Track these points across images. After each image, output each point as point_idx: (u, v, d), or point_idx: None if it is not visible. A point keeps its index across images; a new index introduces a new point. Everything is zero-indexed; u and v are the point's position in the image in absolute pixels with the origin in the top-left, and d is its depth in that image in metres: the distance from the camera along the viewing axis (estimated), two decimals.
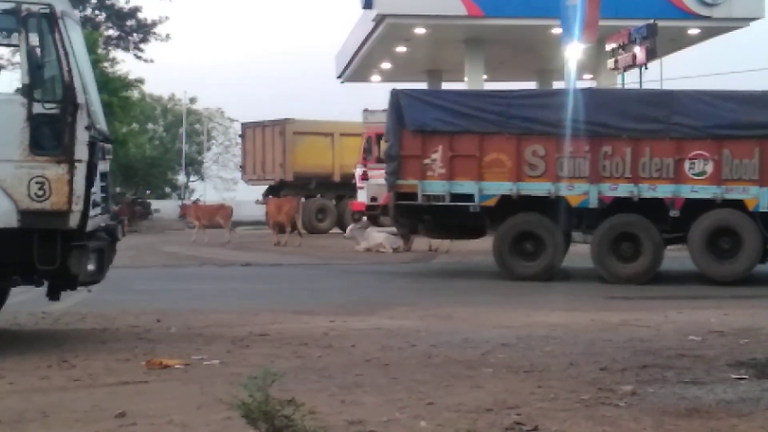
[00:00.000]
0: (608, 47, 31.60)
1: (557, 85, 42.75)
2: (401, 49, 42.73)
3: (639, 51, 29.04)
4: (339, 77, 52.11)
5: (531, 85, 45.73)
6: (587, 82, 42.54)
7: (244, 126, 39.47)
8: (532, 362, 8.95)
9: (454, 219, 18.80)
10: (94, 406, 7.14)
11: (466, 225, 19.18)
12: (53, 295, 10.33)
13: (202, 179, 75.81)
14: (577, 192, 17.57)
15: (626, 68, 30.65)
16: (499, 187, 17.95)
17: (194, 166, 74.28)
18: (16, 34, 9.84)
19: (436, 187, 18.13)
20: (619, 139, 17.42)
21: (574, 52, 32.24)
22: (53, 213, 9.32)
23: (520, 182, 17.84)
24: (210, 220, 31.09)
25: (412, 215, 18.97)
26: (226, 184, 75.76)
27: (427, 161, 18.13)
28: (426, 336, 10.67)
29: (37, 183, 9.27)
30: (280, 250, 26.92)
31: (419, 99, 18.68)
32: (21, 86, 9.49)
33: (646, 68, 29.72)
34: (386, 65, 47.37)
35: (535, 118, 17.83)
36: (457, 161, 18.07)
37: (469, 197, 18.03)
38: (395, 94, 18.73)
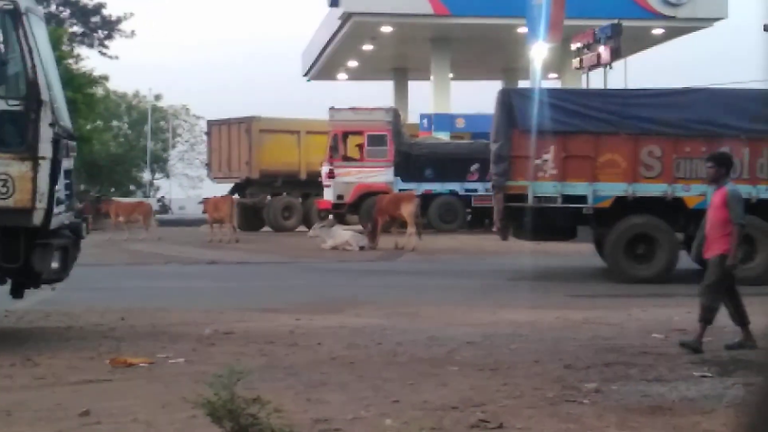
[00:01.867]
0: (573, 47, 31.80)
1: (523, 84, 42.95)
2: (368, 47, 42.75)
3: (604, 50, 29.23)
4: (305, 75, 52.06)
5: (496, 84, 45.89)
6: (552, 81, 42.81)
7: (210, 123, 39.28)
8: (497, 360, 8.99)
9: (562, 221, 18.17)
10: (58, 405, 7.10)
11: (556, 226, 18.52)
12: (17, 293, 10.26)
13: (168, 177, 75.43)
14: (693, 193, 17.14)
15: (591, 68, 30.85)
16: (613, 189, 17.46)
17: (159, 163, 73.83)
18: None
19: (547, 188, 17.58)
20: (737, 139, 16.92)
21: (539, 51, 32.43)
22: (17, 210, 9.26)
23: (635, 183, 17.38)
24: (129, 217, 31.95)
25: (517, 217, 18.17)
26: (191, 182, 75.50)
27: (538, 162, 17.55)
28: (392, 334, 10.68)
29: (0, 180, 9.19)
30: (247, 248, 26.83)
31: (532, 98, 18.13)
32: None
33: (610, 68, 29.92)
34: (353, 63, 47.38)
35: (651, 118, 17.38)
36: (570, 162, 17.55)
37: (581, 199, 17.55)
38: (506, 93, 18.38)
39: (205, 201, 31.77)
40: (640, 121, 17.44)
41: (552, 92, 20.17)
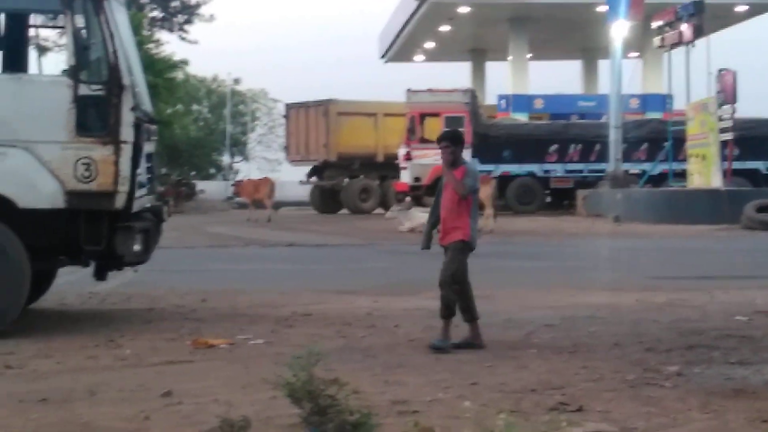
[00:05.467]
0: (654, 25, 31.31)
1: (602, 64, 42.41)
2: (445, 28, 42.61)
3: (686, 28, 28.74)
4: (382, 57, 52.09)
5: (575, 64, 45.44)
6: (633, 60, 42.16)
7: (288, 107, 39.59)
8: (576, 343, 8.91)
9: None
10: (141, 385, 7.21)
11: None
12: (100, 275, 10.45)
13: (247, 160, 76.13)
14: None
15: (672, 46, 30.35)
16: None
17: (239, 146, 74.56)
18: (62, 16, 9.92)
19: None
20: None
21: (619, 29, 31.99)
22: (99, 194, 9.41)
23: None
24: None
25: None
26: (270, 165, 76.08)
27: None
28: None
29: (83, 164, 9.35)
30: (325, 230, 26.97)
31: None
32: (67, 68, 9.58)
33: (693, 46, 29.38)
34: (429, 45, 47.28)
35: None
36: None
37: None
38: None
39: (240, 183, 33.16)
40: None
41: None
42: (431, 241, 9.08)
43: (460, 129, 30.85)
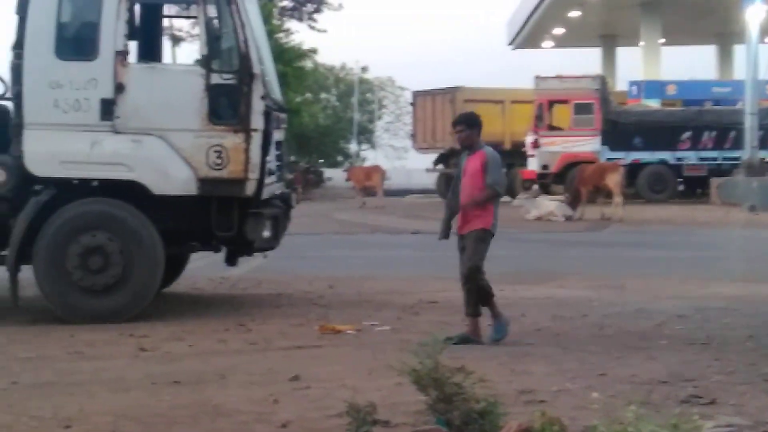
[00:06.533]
0: None
1: (738, 49, 41.22)
2: (574, 13, 42.01)
3: None
4: (510, 44, 51.69)
5: (710, 49, 44.29)
6: None
7: (415, 94, 39.63)
8: (708, 334, 8.69)
9: None
10: (270, 369, 7.33)
11: None
12: (231, 260, 10.67)
13: (374, 148, 76.52)
14: None
15: None
16: None
17: (366, 134, 74.99)
18: (194, 6, 10.13)
19: None
20: None
21: (756, 13, 30.97)
22: (230, 181, 9.59)
23: None
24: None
25: None
26: (397, 153, 76.29)
27: None
28: (598, 306, 10.50)
29: (215, 152, 9.54)
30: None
31: None
32: (199, 57, 9.78)
33: None
34: (558, 30, 46.69)
35: None
36: None
37: None
38: None
39: (352, 169, 33.70)
40: None
41: None
42: (450, 230, 8.76)
43: (590, 116, 30.51)
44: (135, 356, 8.04)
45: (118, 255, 9.45)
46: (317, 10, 53.69)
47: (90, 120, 9.53)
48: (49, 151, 9.52)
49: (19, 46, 9.62)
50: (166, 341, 8.64)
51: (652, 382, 6.72)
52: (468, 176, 8.44)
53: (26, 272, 9.69)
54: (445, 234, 8.77)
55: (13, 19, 9.68)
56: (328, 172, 52.69)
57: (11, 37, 9.72)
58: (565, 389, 6.54)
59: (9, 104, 10.00)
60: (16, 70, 9.65)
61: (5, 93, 10.02)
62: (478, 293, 8.39)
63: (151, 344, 8.47)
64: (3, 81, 10.08)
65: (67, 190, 9.64)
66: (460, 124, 8.62)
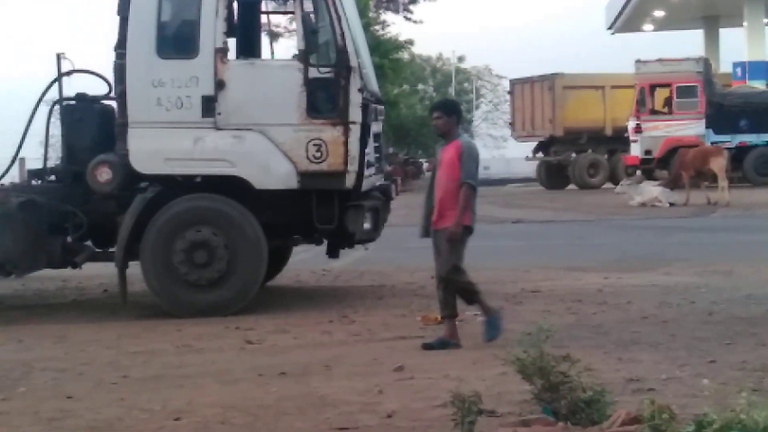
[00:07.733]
0: None
1: None
2: None
3: None
4: (609, 28, 50.89)
5: None
6: None
7: (513, 83, 39.35)
8: None
9: None
10: (374, 360, 7.36)
11: None
12: (332, 253, 10.74)
13: (472, 137, 76.18)
14: None
15: None
16: None
17: (464, 124, 74.63)
18: (291, 2, 10.21)
19: None
20: None
21: None
22: (330, 174, 9.64)
23: None
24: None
25: None
26: (495, 142, 75.91)
27: None
28: (706, 292, 10.28)
29: (314, 145, 9.61)
30: (552, 206, 26.69)
31: None
32: (297, 52, 9.85)
33: None
34: (659, 13, 45.80)
35: None
36: None
37: None
38: None
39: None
40: None
41: None
42: (431, 226, 8.19)
43: (694, 99, 29.88)
44: (241, 349, 8.16)
45: (223, 249, 9.59)
46: (413, 2, 53.63)
47: (192, 117, 9.69)
48: (153, 149, 9.70)
49: (121, 47, 9.83)
50: (272, 333, 8.74)
51: (763, 369, 6.56)
52: (444, 167, 8.01)
53: (134, 268, 9.90)
54: (426, 231, 8.29)
55: (115, 20, 9.90)
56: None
57: (114, 38, 9.94)
58: (674, 377, 6.43)
59: (113, 104, 10.23)
60: (120, 70, 9.87)
61: (109, 93, 10.26)
62: (460, 294, 8.05)
63: (256, 337, 8.58)
64: (107, 81, 10.32)
65: (172, 186, 9.82)
66: (437, 110, 8.19)
